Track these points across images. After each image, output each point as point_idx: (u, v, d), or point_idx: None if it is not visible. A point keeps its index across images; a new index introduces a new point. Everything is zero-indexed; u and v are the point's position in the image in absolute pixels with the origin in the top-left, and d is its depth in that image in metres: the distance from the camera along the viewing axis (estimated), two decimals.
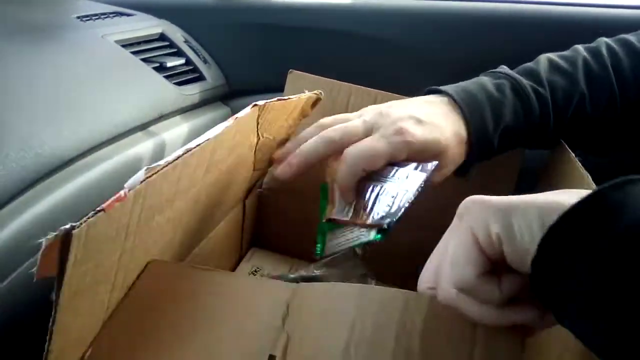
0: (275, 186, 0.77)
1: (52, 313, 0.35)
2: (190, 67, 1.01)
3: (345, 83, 0.76)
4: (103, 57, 0.85)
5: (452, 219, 0.41)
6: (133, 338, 0.40)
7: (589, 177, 0.54)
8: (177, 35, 1.04)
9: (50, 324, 0.36)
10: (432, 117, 0.58)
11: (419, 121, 0.57)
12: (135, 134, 0.81)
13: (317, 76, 0.76)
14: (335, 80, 0.76)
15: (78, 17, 0.92)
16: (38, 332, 0.37)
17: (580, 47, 0.70)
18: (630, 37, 0.70)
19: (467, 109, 0.61)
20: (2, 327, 0.58)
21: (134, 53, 0.90)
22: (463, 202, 0.39)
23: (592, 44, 0.70)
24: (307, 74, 0.76)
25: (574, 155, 0.60)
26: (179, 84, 0.94)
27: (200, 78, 1.01)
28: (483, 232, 0.35)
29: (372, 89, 0.76)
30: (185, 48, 1.03)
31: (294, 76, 0.76)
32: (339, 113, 0.71)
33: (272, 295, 0.42)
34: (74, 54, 0.81)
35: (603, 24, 0.94)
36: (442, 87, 0.64)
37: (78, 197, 0.67)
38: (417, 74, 1.04)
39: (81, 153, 0.68)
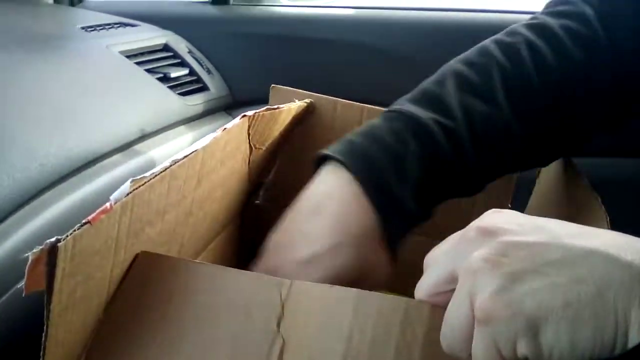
0: (274, 199, 0.77)
1: (44, 328, 0.35)
2: (194, 78, 1.02)
3: (330, 97, 0.74)
4: (107, 67, 0.86)
5: (445, 224, 0.39)
6: (124, 343, 0.39)
7: (587, 181, 0.54)
8: (181, 45, 1.05)
9: (42, 339, 0.35)
10: (322, 244, 0.48)
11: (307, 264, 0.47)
12: (139, 145, 0.81)
13: (300, 90, 0.74)
14: (319, 95, 0.75)
15: (83, 28, 0.94)
16: (38, 348, 0.37)
17: (492, 48, 0.55)
18: (550, 20, 0.56)
19: (364, 179, 0.48)
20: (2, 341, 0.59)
21: (138, 64, 0.91)
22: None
23: (507, 38, 0.55)
24: (289, 88, 0.75)
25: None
26: (183, 94, 0.95)
27: (204, 88, 1.02)
28: (508, 349, 0.31)
29: (357, 103, 0.73)
30: (189, 59, 1.04)
31: (277, 91, 0.75)
32: (325, 127, 0.71)
33: (266, 292, 0.40)
34: (78, 65, 0.82)
35: None
36: (334, 155, 0.51)
37: (82, 208, 0.67)
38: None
39: (85, 163, 0.69)
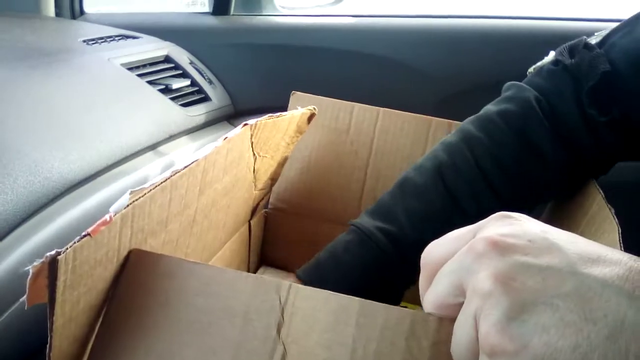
0: (282, 206, 0.78)
1: (49, 339, 0.35)
2: (196, 89, 1.02)
3: (348, 102, 0.77)
4: (109, 80, 0.87)
5: None
6: (121, 350, 0.38)
7: (602, 194, 0.53)
8: (182, 57, 1.05)
9: (47, 350, 0.36)
10: None
11: None
12: (142, 156, 0.81)
13: (319, 96, 0.77)
14: (337, 100, 0.76)
15: (84, 41, 0.94)
16: None
17: (438, 148, 0.64)
18: (492, 109, 0.64)
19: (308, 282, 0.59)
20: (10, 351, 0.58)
21: (139, 75, 0.91)
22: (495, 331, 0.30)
23: (452, 137, 0.64)
24: (309, 94, 0.77)
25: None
26: (185, 105, 0.95)
27: (205, 99, 1.02)
28: None
29: (374, 107, 0.76)
30: (190, 69, 1.04)
31: (297, 97, 0.77)
32: (342, 131, 0.72)
33: (265, 296, 0.38)
34: (80, 78, 0.82)
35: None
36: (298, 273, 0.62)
37: (85, 221, 0.67)
38: (420, 90, 1.05)
39: (88, 176, 0.69)
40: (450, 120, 0.76)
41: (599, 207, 0.51)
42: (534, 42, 0.95)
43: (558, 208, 0.66)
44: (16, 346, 0.58)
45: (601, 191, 0.53)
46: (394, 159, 0.77)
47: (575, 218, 0.58)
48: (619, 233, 0.45)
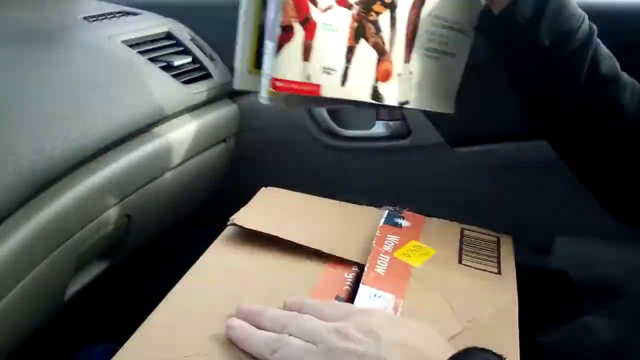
0: None
1: None
2: (197, 65, 1.01)
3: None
4: (110, 57, 0.86)
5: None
6: None
7: None
8: (183, 33, 1.04)
9: None
10: None
11: None
12: (144, 134, 0.81)
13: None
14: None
15: (85, 18, 0.93)
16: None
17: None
18: None
19: None
20: (17, 328, 0.59)
21: (140, 53, 0.91)
22: None
23: None
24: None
25: None
26: (186, 82, 0.94)
27: (207, 76, 1.01)
28: None
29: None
30: (191, 46, 1.03)
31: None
32: None
33: None
34: (81, 55, 0.81)
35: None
36: None
37: (88, 199, 0.67)
38: None
39: (90, 155, 0.69)
40: None
41: None
42: None
43: None
44: (18, 326, 0.59)
45: None
46: None
47: None
48: None
